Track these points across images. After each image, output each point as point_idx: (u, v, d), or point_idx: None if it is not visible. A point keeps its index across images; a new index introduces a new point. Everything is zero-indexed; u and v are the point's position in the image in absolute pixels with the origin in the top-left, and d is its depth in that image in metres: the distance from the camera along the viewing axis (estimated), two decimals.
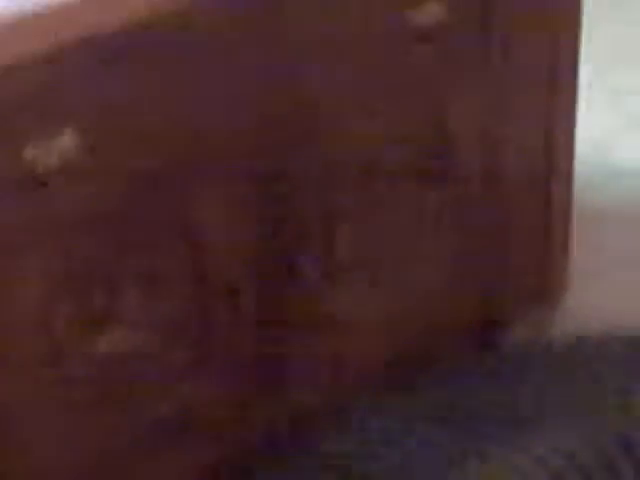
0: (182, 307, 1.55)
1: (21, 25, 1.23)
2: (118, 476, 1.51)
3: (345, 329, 1.78)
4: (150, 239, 1.49)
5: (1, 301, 1.34)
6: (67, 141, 1.33)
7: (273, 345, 1.69)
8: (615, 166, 2.62)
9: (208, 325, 1.60)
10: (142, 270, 1.49)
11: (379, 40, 1.68)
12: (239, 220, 1.59)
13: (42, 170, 1.31)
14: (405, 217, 1.82)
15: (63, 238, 1.37)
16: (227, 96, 1.50)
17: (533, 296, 2.09)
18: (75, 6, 1.27)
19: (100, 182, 1.38)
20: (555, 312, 2.13)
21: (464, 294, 1.92)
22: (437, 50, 1.76)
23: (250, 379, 1.67)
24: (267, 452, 1.71)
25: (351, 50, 1.64)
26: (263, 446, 1.71)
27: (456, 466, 1.65)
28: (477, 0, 1.79)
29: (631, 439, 1.72)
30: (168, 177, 1.47)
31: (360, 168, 1.73)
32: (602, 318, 2.08)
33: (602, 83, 2.89)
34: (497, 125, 1.90)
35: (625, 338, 2.00)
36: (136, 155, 1.43)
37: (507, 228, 1.98)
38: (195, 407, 1.61)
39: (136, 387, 1.52)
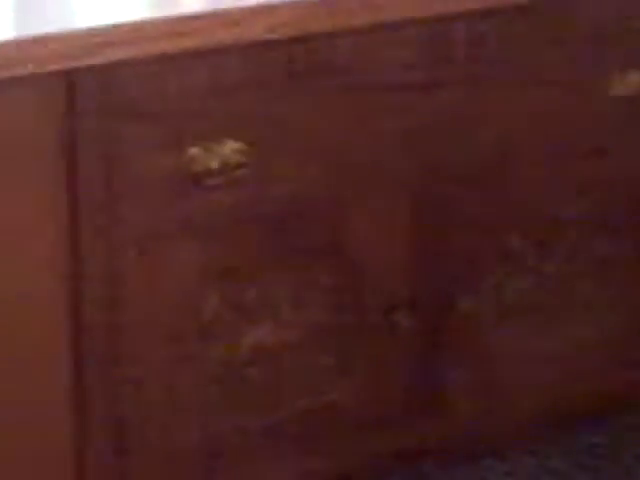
0: (336, 316, 1.53)
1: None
2: (241, 461, 1.52)
3: (502, 366, 1.70)
4: (305, 249, 1.50)
5: (156, 282, 1.40)
6: (231, 148, 1.37)
7: (426, 368, 1.63)
8: None
9: (360, 336, 1.57)
10: (296, 275, 1.50)
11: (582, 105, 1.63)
12: (400, 247, 1.56)
13: (201, 169, 1.35)
14: (577, 267, 1.71)
15: (217, 233, 1.41)
16: (399, 131, 1.49)
17: None
18: None
19: (256, 192, 1.41)
20: None
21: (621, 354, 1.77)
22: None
23: (393, 395, 1.62)
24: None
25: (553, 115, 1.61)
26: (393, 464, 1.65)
27: None
28: None
29: None
30: (325, 194, 1.48)
31: (537, 216, 1.65)
32: None
33: None
34: None
35: None
36: (298, 173, 1.44)
37: None
38: (340, 406, 1.59)
39: (275, 380, 1.53)
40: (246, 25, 1.31)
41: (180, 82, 1.33)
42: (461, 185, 1.59)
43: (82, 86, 1.26)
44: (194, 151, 1.37)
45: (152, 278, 1.40)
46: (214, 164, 1.39)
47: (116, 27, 1.24)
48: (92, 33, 1.22)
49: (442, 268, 1.62)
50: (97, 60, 1.23)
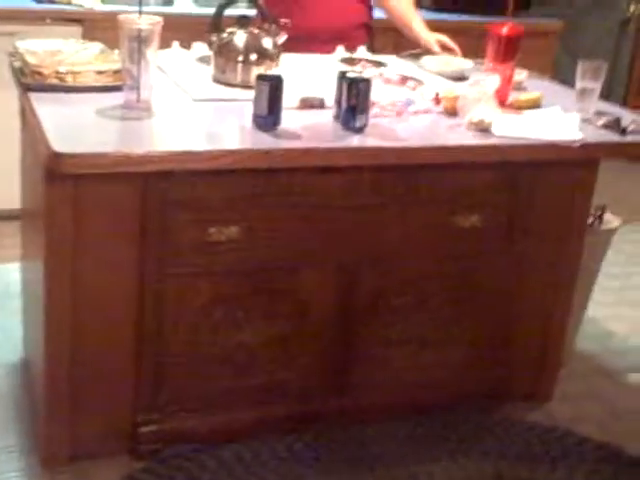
0: (287, 328, 2.54)
1: None
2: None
3: (389, 374, 2.69)
4: (272, 289, 2.47)
5: (186, 300, 2.36)
6: (234, 230, 2.35)
7: (339, 363, 2.63)
8: None
9: (304, 340, 2.56)
10: (266, 305, 2.46)
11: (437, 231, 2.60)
12: (327, 291, 2.54)
13: (215, 240, 2.32)
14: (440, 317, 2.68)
15: (221, 277, 2.41)
16: (331, 229, 2.48)
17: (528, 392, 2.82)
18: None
19: (246, 254, 2.41)
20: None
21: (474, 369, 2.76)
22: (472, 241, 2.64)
23: (324, 378, 2.61)
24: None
25: (416, 229, 2.59)
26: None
27: None
28: (503, 216, 2.63)
29: None
30: (286, 258, 2.46)
31: (415, 287, 2.62)
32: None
33: None
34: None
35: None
36: (272, 247, 2.41)
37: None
38: (288, 382, 2.59)
39: (254, 360, 2.51)
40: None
41: (206, 191, 2.31)
42: (366, 264, 2.57)
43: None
44: (213, 230, 2.34)
45: (181, 297, 2.38)
46: (223, 238, 2.35)
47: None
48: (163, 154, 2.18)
49: (352, 310, 2.60)
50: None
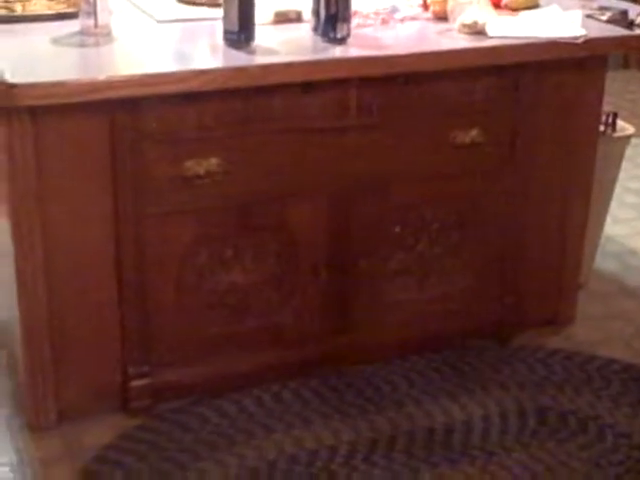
0: (279, 266, 2.46)
1: None
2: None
3: (393, 309, 2.58)
4: (259, 225, 2.38)
5: (166, 241, 2.30)
6: (213, 162, 2.26)
7: (338, 303, 2.55)
8: None
9: (296, 281, 2.49)
10: (254, 242, 2.38)
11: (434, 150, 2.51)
12: (320, 224, 2.45)
13: (193, 174, 2.24)
14: (437, 248, 2.60)
15: (203, 214, 2.32)
16: (318, 157, 2.40)
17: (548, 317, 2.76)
18: None
19: (228, 189, 2.31)
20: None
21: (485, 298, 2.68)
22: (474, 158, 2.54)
23: (316, 319, 2.54)
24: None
25: (411, 150, 2.49)
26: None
27: None
28: (506, 128, 2.54)
29: None
30: (272, 190, 2.37)
31: (410, 214, 2.54)
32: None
33: None
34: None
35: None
36: (256, 179, 2.33)
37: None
38: (284, 324, 2.51)
39: (243, 302, 2.44)
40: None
41: (179, 120, 2.22)
42: (360, 191, 2.47)
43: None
44: (189, 163, 2.26)
45: (163, 238, 2.30)
46: (202, 171, 2.27)
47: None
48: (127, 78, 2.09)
49: (348, 243, 2.52)
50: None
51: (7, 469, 2.23)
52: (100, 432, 2.33)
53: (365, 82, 2.33)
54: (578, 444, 2.35)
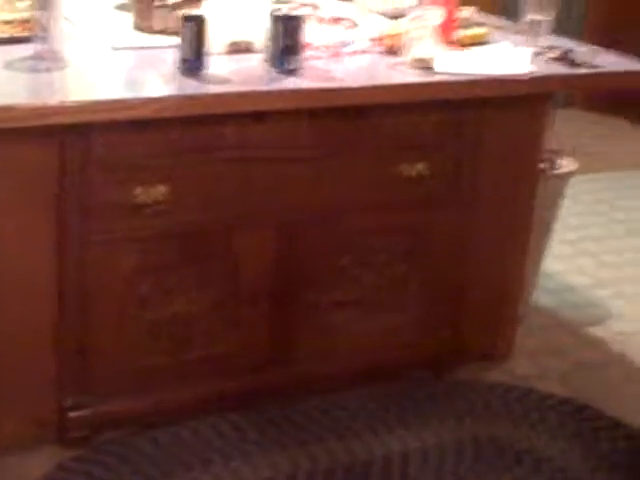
0: (223, 297, 2.50)
1: None
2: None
3: (336, 340, 2.66)
4: (204, 255, 2.42)
5: (109, 269, 2.32)
6: (161, 190, 2.30)
7: (281, 331, 2.60)
8: None
9: (242, 309, 2.54)
10: (198, 272, 2.42)
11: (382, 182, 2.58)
12: (266, 254, 2.51)
13: (141, 202, 2.27)
14: (383, 279, 2.68)
15: (148, 242, 2.35)
16: (268, 186, 2.45)
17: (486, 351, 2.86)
18: None
19: (175, 217, 2.36)
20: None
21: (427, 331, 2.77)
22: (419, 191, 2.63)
23: (259, 349, 2.60)
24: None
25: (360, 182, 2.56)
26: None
27: None
28: (451, 162, 2.63)
29: None
30: (220, 220, 2.42)
31: (360, 245, 2.61)
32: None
33: None
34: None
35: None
36: (204, 208, 2.37)
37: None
38: (227, 355, 2.55)
39: (186, 332, 2.47)
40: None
41: (129, 147, 2.26)
42: (308, 222, 2.54)
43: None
44: (138, 191, 2.30)
45: (106, 265, 2.33)
46: (149, 200, 2.31)
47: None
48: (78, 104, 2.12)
49: (294, 273, 2.58)
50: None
51: None
52: (37, 463, 2.34)
53: (315, 113, 2.39)
54: (514, 477, 2.43)
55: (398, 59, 2.52)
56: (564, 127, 3.26)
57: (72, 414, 2.40)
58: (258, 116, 2.32)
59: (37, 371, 2.36)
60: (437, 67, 2.47)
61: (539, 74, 2.54)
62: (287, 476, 2.38)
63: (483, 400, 2.73)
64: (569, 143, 3.35)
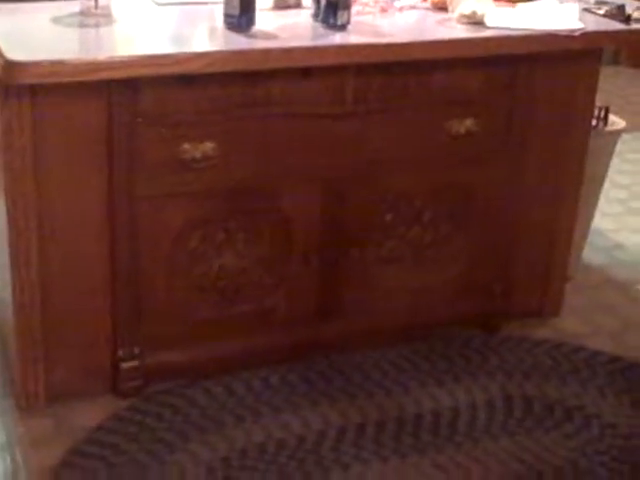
0: (271, 251, 2.50)
1: None
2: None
3: (383, 296, 2.65)
4: (252, 210, 2.41)
5: (158, 225, 2.34)
6: (209, 145, 2.29)
7: (328, 286, 2.59)
8: None
9: (290, 263, 2.53)
10: (247, 227, 2.42)
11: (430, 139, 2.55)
12: (313, 210, 2.49)
13: (188, 158, 2.26)
14: (427, 236, 2.65)
15: (196, 198, 2.35)
16: (314, 145, 2.43)
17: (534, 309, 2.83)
18: None
19: (223, 173, 2.35)
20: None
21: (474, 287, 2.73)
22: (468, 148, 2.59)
23: (308, 305, 2.59)
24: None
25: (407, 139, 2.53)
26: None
27: None
28: (501, 118, 2.58)
29: None
30: (267, 175, 2.40)
31: (401, 203, 2.59)
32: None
33: None
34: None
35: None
36: (252, 163, 2.36)
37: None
38: (275, 309, 2.56)
39: (235, 286, 2.48)
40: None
41: (177, 103, 2.25)
42: (354, 178, 2.52)
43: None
44: (186, 146, 2.28)
45: (156, 220, 2.33)
46: (197, 155, 2.30)
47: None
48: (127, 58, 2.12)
49: (341, 229, 2.56)
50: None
51: None
52: (90, 413, 2.37)
53: (362, 69, 2.37)
54: (564, 433, 2.40)
55: (446, 15, 2.47)
56: (611, 84, 3.16)
57: (125, 365, 2.41)
58: (305, 72, 2.31)
59: (91, 323, 2.38)
60: (489, 22, 2.42)
61: (591, 30, 2.48)
62: (337, 429, 2.37)
63: (532, 357, 2.70)
64: (616, 101, 3.26)
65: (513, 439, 2.37)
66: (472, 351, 2.70)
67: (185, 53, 2.16)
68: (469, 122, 2.53)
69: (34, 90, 2.09)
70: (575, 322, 2.88)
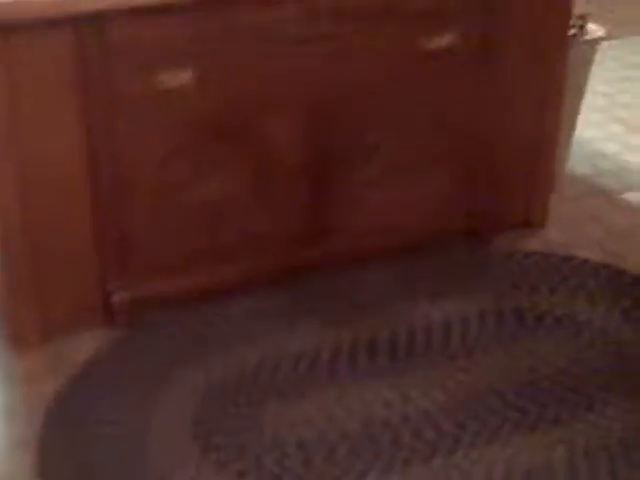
0: (257, 177, 2.46)
1: None
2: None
3: (370, 214, 2.62)
4: (236, 137, 2.36)
5: (139, 157, 2.30)
6: (186, 75, 2.23)
7: (315, 209, 2.55)
8: None
9: (275, 188, 2.50)
10: (231, 154, 2.37)
11: (402, 55, 2.49)
12: (296, 133, 2.44)
13: (166, 88, 2.20)
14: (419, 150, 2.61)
15: (178, 128, 2.32)
16: (295, 68, 2.39)
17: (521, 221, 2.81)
18: None
19: (203, 101, 2.32)
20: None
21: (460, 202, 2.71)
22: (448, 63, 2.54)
23: (300, 225, 2.56)
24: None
25: (384, 58, 2.48)
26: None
27: None
28: (479, 31, 2.53)
29: None
30: (248, 101, 2.36)
31: (383, 123, 2.54)
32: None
33: None
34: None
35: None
36: (231, 90, 2.30)
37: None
38: (264, 234, 2.53)
39: (222, 213, 2.44)
40: None
41: (149, 32, 2.19)
42: (335, 101, 2.47)
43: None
44: (162, 76, 2.23)
45: (137, 152, 2.29)
46: (175, 84, 2.24)
47: None
48: None
49: (325, 153, 2.52)
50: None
51: None
52: (85, 347, 2.36)
53: None
54: (555, 341, 2.41)
55: None
56: None
57: (116, 297, 2.40)
58: None
59: (78, 258, 2.36)
60: None
61: None
62: (331, 348, 2.36)
63: (521, 268, 2.68)
64: (594, 9, 3.20)
65: (505, 350, 2.37)
66: (461, 266, 2.69)
67: None
68: (446, 37, 2.48)
69: (5, 29, 2.03)
70: (562, 232, 2.87)
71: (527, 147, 2.77)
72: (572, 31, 2.84)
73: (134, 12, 2.13)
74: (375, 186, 2.61)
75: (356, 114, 2.51)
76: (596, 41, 3.00)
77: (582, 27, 2.96)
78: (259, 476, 1.99)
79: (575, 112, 3.05)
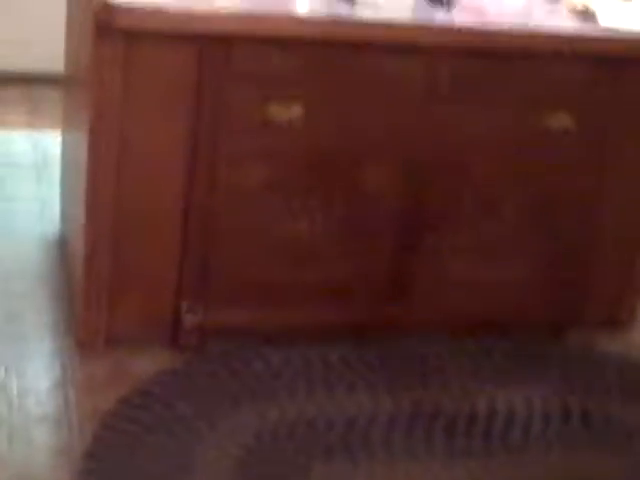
0: (347, 224, 2.41)
1: None
2: None
3: (454, 286, 2.55)
4: (332, 180, 2.32)
5: (236, 184, 2.27)
6: (296, 110, 2.21)
7: (399, 268, 2.49)
8: None
9: (365, 238, 2.44)
10: (325, 196, 2.35)
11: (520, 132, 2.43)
12: (393, 190, 2.39)
13: (275, 119, 2.20)
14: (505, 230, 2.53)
15: (278, 161, 2.28)
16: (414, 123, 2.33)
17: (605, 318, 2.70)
18: None
19: (307, 138, 2.29)
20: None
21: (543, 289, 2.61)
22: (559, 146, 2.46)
23: (380, 283, 2.49)
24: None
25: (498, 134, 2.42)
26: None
27: None
28: (598, 120, 2.45)
29: None
30: (350, 147, 2.33)
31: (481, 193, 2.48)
32: None
33: None
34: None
35: None
36: (336, 133, 2.29)
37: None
38: (343, 283, 2.47)
39: (306, 254, 2.41)
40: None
41: (270, 63, 2.17)
42: (437, 163, 2.42)
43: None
44: (274, 107, 2.21)
45: (235, 179, 2.27)
46: (284, 117, 2.21)
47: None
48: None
49: (418, 214, 2.46)
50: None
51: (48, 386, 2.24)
52: (146, 363, 2.33)
53: (463, 52, 2.27)
54: (619, 455, 2.27)
55: (557, 5, 2.33)
56: None
57: (187, 317, 2.37)
58: (402, 49, 2.20)
59: (159, 272, 2.34)
60: (601, 20, 2.27)
61: None
62: (388, 416, 2.28)
63: (597, 369, 2.57)
64: None
65: (565, 455, 2.24)
66: (536, 356, 2.58)
67: (283, 15, 2.09)
68: (564, 118, 2.40)
69: (129, 35, 2.04)
70: None
71: (625, 245, 2.66)
72: None
73: (260, 40, 2.13)
74: (460, 256, 2.53)
75: (456, 181, 2.45)
76: None
77: None
78: None
79: None
